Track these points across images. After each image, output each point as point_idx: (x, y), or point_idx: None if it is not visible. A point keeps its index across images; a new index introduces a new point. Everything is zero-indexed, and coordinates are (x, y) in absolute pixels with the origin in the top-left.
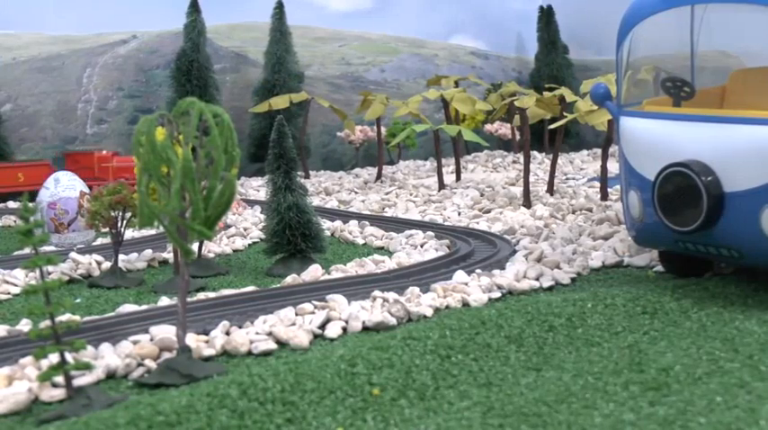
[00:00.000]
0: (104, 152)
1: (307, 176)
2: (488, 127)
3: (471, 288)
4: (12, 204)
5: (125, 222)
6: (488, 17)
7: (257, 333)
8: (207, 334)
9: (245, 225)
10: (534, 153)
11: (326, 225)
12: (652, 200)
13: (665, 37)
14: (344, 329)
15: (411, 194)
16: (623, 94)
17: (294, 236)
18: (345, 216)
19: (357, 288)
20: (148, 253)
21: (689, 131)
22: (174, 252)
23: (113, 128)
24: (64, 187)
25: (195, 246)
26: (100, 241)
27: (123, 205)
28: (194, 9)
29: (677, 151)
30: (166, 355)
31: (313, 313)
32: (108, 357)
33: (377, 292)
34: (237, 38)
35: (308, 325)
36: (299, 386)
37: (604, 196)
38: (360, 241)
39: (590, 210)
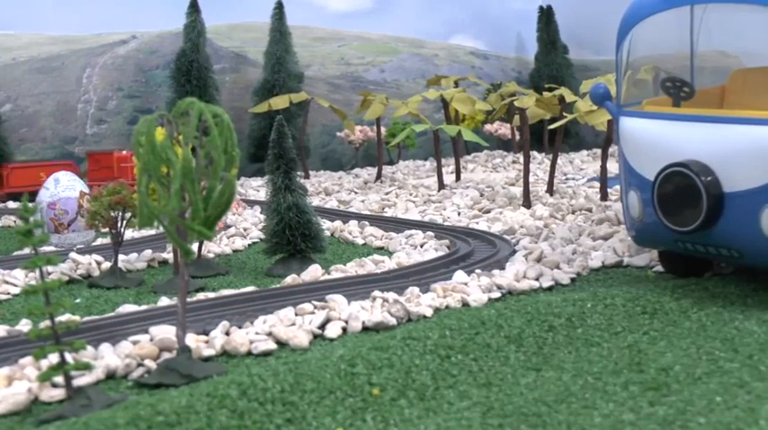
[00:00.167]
0: (123, 152)
1: (306, 176)
2: (488, 127)
3: (471, 288)
4: (12, 204)
5: (125, 222)
6: (488, 17)
7: (257, 333)
8: (207, 334)
9: (244, 225)
10: (534, 153)
11: (326, 225)
12: (652, 200)
13: (665, 37)
14: (344, 329)
15: (411, 194)
16: (623, 94)
17: (294, 236)
18: (345, 216)
19: (357, 288)
20: (148, 253)
21: (688, 131)
22: (174, 252)
23: (113, 128)
24: (64, 187)
25: (195, 247)
26: (100, 241)
27: (123, 205)
28: (194, 9)
29: (677, 151)
30: (166, 355)
31: (313, 313)
32: (108, 357)
33: (377, 292)
34: (237, 38)
35: (307, 325)
36: (298, 386)
37: (604, 196)
38: (359, 241)
39: (590, 210)
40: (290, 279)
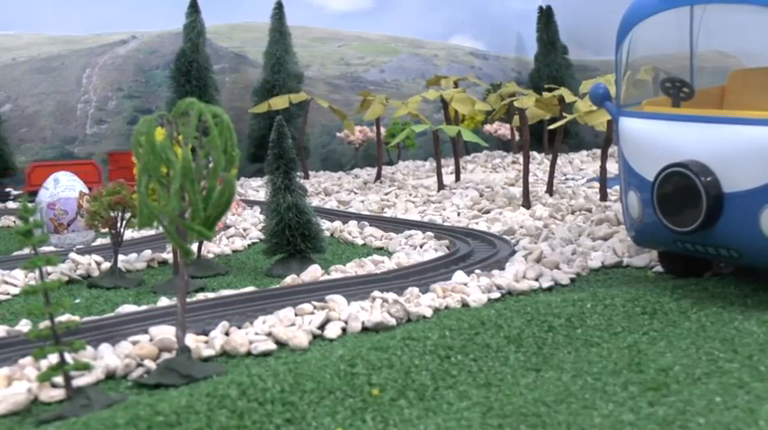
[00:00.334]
0: None
1: (306, 177)
2: (488, 127)
3: (471, 288)
4: (11, 205)
5: (124, 223)
6: (488, 17)
7: (257, 333)
8: (206, 334)
9: (244, 225)
10: (533, 153)
11: (326, 225)
12: (651, 200)
13: (665, 37)
14: (344, 330)
15: (410, 195)
16: (622, 94)
17: (293, 236)
18: (345, 216)
19: (356, 288)
20: (148, 253)
21: (688, 132)
22: (174, 252)
23: (113, 128)
24: (63, 187)
25: (195, 247)
26: (99, 241)
27: (123, 205)
28: (194, 9)
29: (676, 151)
30: (166, 356)
31: (312, 313)
32: (107, 357)
33: (376, 293)
34: (237, 38)
35: (307, 325)
36: (298, 386)
37: (604, 197)
38: (359, 241)
39: (589, 210)
40: (289, 279)
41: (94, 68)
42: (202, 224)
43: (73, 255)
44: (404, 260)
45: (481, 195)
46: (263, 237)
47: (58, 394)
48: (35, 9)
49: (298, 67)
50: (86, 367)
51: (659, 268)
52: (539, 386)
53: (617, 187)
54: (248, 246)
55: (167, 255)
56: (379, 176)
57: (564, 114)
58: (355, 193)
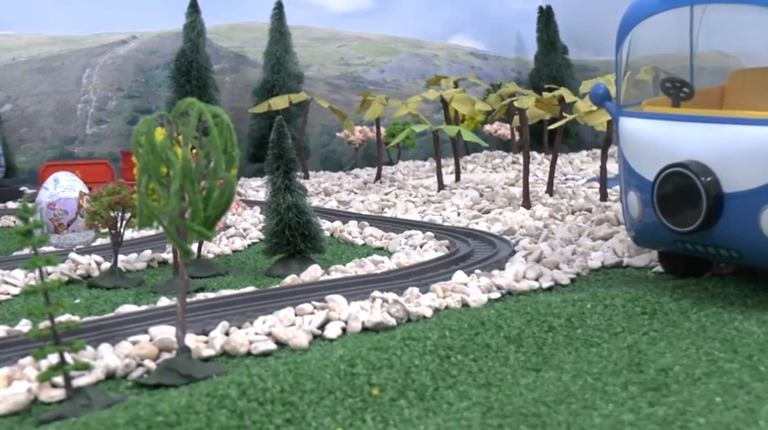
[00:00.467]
0: None
1: (306, 177)
2: (488, 127)
3: (471, 288)
4: (11, 205)
5: (124, 223)
6: (488, 17)
7: (257, 333)
8: (206, 334)
9: (244, 225)
10: (533, 153)
11: (326, 225)
12: (651, 200)
13: (665, 37)
14: (344, 330)
15: (410, 195)
16: (622, 94)
17: (293, 236)
18: (345, 216)
19: (356, 288)
20: (148, 253)
21: (688, 132)
22: (174, 252)
23: (113, 128)
24: (63, 188)
25: (194, 247)
26: (99, 241)
27: (123, 205)
28: (194, 9)
29: (676, 151)
30: (166, 356)
31: (312, 313)
32: (107, 357)
33: (376, 293)
34: (237, 38)
35: (307, 325)
36: (298, 386)
37: (604, 197)
38: (359, 241)
39: (589, 210)
40: (289, 279)
41: (94, 68)
42: (202, 224)
43: (73, 255)
44: (404, 260)
45: (481, 195)
46: (263, 237)
47: (58, 394)
48: (35, 9)
49: (298, 67)
50: (86, 367)
51: (659, 268)
52: (539, 386)
53: (617, 187)
54: (248, 246)
55: (167, 255)
56: (379, 176)
57: (564, 114)
58: (355, 193)
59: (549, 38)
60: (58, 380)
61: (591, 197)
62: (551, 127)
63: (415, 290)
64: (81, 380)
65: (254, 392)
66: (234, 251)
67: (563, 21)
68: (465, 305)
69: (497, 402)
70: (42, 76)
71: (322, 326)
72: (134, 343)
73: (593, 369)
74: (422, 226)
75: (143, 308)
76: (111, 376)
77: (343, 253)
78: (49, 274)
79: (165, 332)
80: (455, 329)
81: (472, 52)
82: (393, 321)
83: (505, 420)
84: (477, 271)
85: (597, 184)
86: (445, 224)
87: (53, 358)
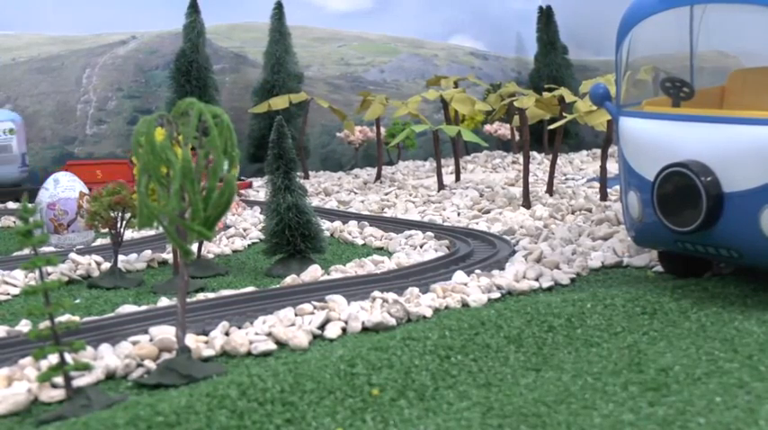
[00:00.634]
0: None
1: (306, 177)
2: (488, 127)
3: (471, 288)
4: (11, 205)
5: (124, 223)
6: (488, 17)
7: (257, 333)
8: (206, 334)
9: (244, 225)
10: (533, 153)
11: (326, 225)
12: (651, 200)
13: (665, 37)
14: (344, 330)
15: (410, 195)
16: (622, 94)
17: (293, 236)
18: (345, 216)
19: (356, 288)
20: (148, 253)
21: (688, 132)
22: (174, 252)
23: (113, 128)
24: (63, 188)
25: (194, 247)
26: (99, 242)
27: (123, 206)
28: (193, 9)
29: (676, 151)
30: (166, 356)
31: (312, 313)
32: (107, 358)
33: (376, 293)
34: (237, 38)
35: (307, 325)
36: (298, 386)
37: (604, 196)
38: (359, 241)
39: (589, 210)
40: (289, 279)
41: (94, 69)
42: (202, 224)
43: (73, 255)
44: (404, 260)
45: (481, 195)
46: (263, 237)
47: (58, 394)
48: (35, 9)
49: (298, 67)
50: (86, 367)
51: (659, 268)
52: (539, 386)
53: (617, 187)
54: (248, 246)
55: (167, 255)
56: (379, 176)
57: (564, 114)
58: (355, 193)
59: (548, 38)
60: (58, 380)
61: (591, 197)
62: (551, 127)
63: (415, 290)
64: (81, 381)
65: (254, 392)
66: (234, 251)
67: (563, 21)
68: (465, 305)
69: (497, 402)
70: (42, 76)
71: (322, 326)
72: (134, 343)
73: (593, 369)
74: (422, 226)
75: (143, 308)
76: (111, 376)
77: (343, 253)
78: (49, 274)
79: (165, 332)
80: (455, 329)
81: (472, 52)
82: (393, 321)
83: (505, 420)
84: (477, 271)
85: (597, 184)
86: (445, 224)
87: (53, 358)
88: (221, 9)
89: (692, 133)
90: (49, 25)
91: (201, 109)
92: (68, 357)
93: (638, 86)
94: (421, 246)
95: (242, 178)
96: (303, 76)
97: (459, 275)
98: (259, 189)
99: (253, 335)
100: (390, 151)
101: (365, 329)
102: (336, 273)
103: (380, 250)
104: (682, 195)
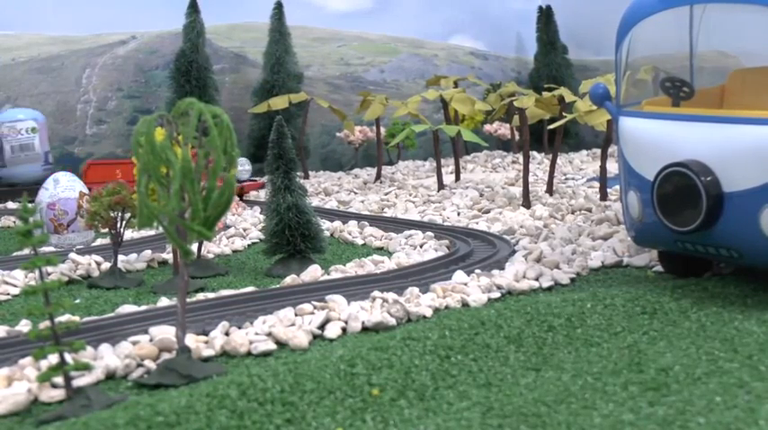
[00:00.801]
0: None
1: (306, 177)
2: (488, 127)
3: (471, 288)
4: (11, 205)
5: (124, 223)
6: (488, 17)
7: (257, 333)
8: (206, 334)
9: (244, 225)
10: (533, 153)
11: (326, 225)
12: (651, 200)
13: (665, 37)
14: (344, 330)
15: (410, 195)
16: (622, 94)
17: (293, 236)
18: (345, 216)
19: (356, 288)
20: (148, 253)
21: (688, 131)
22: (174, 252)
23: (113, 128)
24: (63, 188)
25: (194, 247)
26: (99, 242)
27: (122, 206)
28: (193, 9)
29: (676, 151)
30: (166, 356)
31: (312, 313)
32: (107, 358)
33: (376, 293)
34: (237, 38)
35: (307, 325)
36: (298, 386)
37: (604, 196)
38: (359, 241)
39: (589, 210)
40: (289, 279)
41: (94, 69)
42: (202, 224)
43: (73, 255)
44: (404, 260)
45: (481, 195)
46: (263, 237)
47: (58, 394)
48: (35, 9)
49: (298, 67)
50: (86, 367)
51: (659, 268)
52: (539, 386)
53: (617, 187)
54: (248, 246)
55: (167, 255)
56: (378, 176)
57: (564, 114)
58: (355, 193)
59: (548, 38)
60: (58, 380)
61: (591, 197)
62: (551, 127)
63: (415, 290)
64: (81, 381)
65: (254, 392)
66: (234, 251)
67: (563, 21)
68: (465, 305)
69: (497, 402)
70: (42, 77)
71: (322, 327)
72: (134, 343)
73: (593, 369)
74: (422, 226)
75: (143, 308)
76: (111, 376)
77: (343, 253)
78: (49, 274)
79: (165, 332)
80: (455, 329)
81: (472, 52)
82: (393, 321)
83: (505, 420)
84: (477, 271)
85: (597, 184)
86: (445, 224)
87: (53, 358)
88: (221, 9)
89: (691, 133)
90: (49, 25)
91: (201, 109)
92: (68, 357)
93: (638, 86)
94: (421, 246)
95: (255, 179)
96: (303, 76)
97: (459, 275)
98: (259, 189)
99: (253, 335)
100: (390, 151)
101: (365, 329)
102: (336, 273)
103: (380, 250)
104: (682, 195)
